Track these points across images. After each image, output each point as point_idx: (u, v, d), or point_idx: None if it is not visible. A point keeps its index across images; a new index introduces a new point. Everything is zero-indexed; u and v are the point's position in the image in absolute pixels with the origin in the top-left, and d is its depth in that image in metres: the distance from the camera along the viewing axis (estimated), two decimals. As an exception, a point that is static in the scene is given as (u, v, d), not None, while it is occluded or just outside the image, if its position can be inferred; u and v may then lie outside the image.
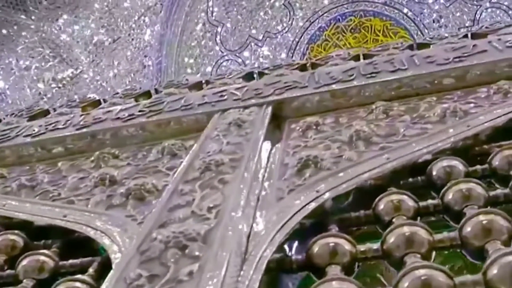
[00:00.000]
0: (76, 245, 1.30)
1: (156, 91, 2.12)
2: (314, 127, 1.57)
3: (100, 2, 6.59)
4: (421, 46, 2.00)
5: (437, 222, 1.23)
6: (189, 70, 7.47)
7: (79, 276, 1.12)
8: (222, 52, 7.83)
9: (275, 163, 1.41)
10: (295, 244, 1.20)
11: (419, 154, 1.33)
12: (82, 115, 1.94)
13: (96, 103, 2.12)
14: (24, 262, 1.20)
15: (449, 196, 1.15)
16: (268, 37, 8.08)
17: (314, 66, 2.07)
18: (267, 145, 1.52)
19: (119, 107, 1.93)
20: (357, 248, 1.06)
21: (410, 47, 2.00)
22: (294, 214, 1.15)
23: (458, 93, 1.61)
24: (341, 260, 1.04)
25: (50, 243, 1.31)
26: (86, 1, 6.46)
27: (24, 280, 1.16)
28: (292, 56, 8.09)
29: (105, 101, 2.12)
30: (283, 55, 8.11)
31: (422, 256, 1.00)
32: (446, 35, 2.07)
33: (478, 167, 1.28)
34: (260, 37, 8.01)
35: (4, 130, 1.95)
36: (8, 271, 1.22)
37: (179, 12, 7.30)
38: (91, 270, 1.14)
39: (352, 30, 8.14)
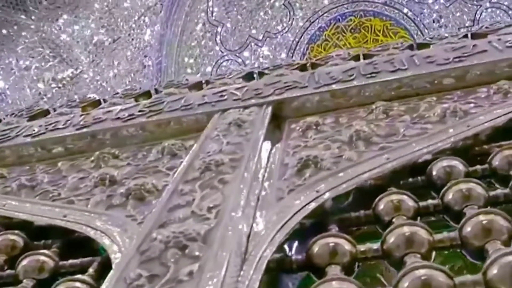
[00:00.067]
0: (76, 245, 1.30)
1: (156, 91, 2.12)
2: (314, 127, 1.57)
3: (100, 2, 6.59)
4: (421, 46, 2.00)
5: (437, 222, 1.23)
6: (189, 70, 7.47)
7: (79, 276, 1.12)
8: (222, 52, 7.83)
9: (275, 163, 1.41)
10: (295, 244, 1.20)
11: (419, 154, 1.33)
12: (82, 115, 1.94)
13: (96, 103, 2.12)
14: (24, 262, 1.20)
15: (449, 196, 1.15)
16: (268, 37, 8.08)
17: (314, 66, 2.07)
18: (267, 145, 1.52)
19: (119, 107, 1.93)
20: (357, 248, 1.06)
21: (410, 47, 2.00)
22: (294, 214, 1.15)
23: (458, 93, 1.61)
24: (341, 260, 1.04)
25: (50, 243, 1.31)
26: (86, 1, 6.46)
27: (24, 280, 1.16)
28: (292, 56, 8.09)
29: (105, 101, 2.12)
30: (283, 55, 8.12)
31: (422, 256, 1.00)
32: (446, 35, 2.08)
33: (478, 167, 1.28)
34: (260, 37, 8.01)
35: (4, 130, 1.95)
36: (8, 271, 1.22)
37: (179, 12, 7.30)
38: (91, 270, 1.14)
39: (352, 30, 8.14)
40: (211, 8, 7.65)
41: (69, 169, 1.64)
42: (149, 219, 1.14)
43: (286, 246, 1.16)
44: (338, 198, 1.24)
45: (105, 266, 1.11)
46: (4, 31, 6.01)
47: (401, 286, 0.90)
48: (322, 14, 8.17)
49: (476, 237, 1.00)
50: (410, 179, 1.30)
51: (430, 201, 1.19)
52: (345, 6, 8.12)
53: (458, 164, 1.26)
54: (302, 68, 2.07)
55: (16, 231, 1.33)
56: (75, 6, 6.38)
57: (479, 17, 7.26)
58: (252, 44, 8.01)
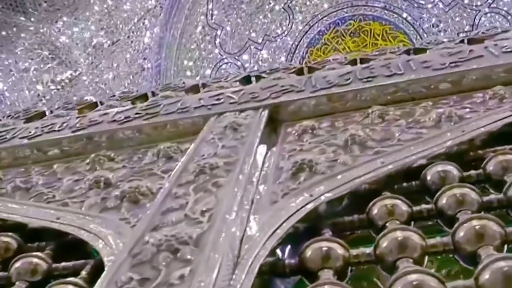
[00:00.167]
0: (69, 247, 1.29)
1: (153, 94, 2.12)
2: (310, 131, 1.57)
3: (99, 5, 6.60)
4: (418, 51, 2.00)
5: (431, 226, 1.23)
6: (188, 73, 7.48)
7: (71, 278, 1.11)
8: (221, 55, 7.84)
9: (270, 167, 1.41)
10: (288, 248, 1.20)
11: (414, 159, 1.33)
12: (78, 117, 1.94)
13: (93, 106, 2.12)
14: (17, 265, 1.19)
15: (443, 201, 1.15)
16: (268, 41, 8.09)
17: (311, 70, 2.07)
18: (262, 148, 1.52)
19: (115, 110, 1.93)
20: (350, 252, 1.06)
21: (407, 52, 2.00)
22: (288, 218, 1.15)
23: (454, 98, 1.61)
24: (333, 264, 1.03)
25: (43, 245, 1.30)
26: (86, 3, 6.47)
27: (17, 283, 1.16)
28: (292, 60, 8.10)
29: (101, 103, 2.12)
30: (282, 59, 8.13)
31: (414, 261, 1.00)
32: (443, 40, 2.08)
33: (473, 172, 1.28)
34: (260, 40, 8.02)
35: (0, 132, 1.95)
36: (1, 273, 1.21)
37: (179, 15, 7.31)
38: (84, 273, 1.14)
39: (352, 34, 8.15)
40: (210, 11, 7.66)
41: (64, 171, 1.63)
42: (142, 222, 1.14)
43: (278, 250, 1.15)
44: (332, 202, 1.24)
45: (98, 269, 1.11)
46: (3, 33, 6.02)
47: (393, 290, 0.90)
48: (322, 18, 8.19)
49: (469, 242, 1.00)
50: (405, 184, 1.30)
51: (423, 206, 1.19)
52: (345, 10, 8.13)
53: (452, 169, 1.26)
54: (299, 72, 2.08)
55: (10, 233, 1.32)
56: (75, 8, 6.39)
57: (478, 22, 7.28)
58: (252, 47, 8.02)
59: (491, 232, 1.00)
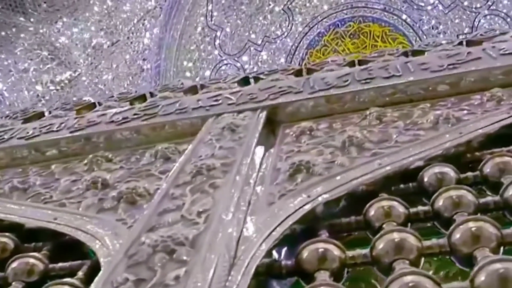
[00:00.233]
0: (66, 248, 1.29)
1: (151, 95, 2.12)
2: (308, 132, 1.58)
3: (99, 5, 6.60)
4: (416, 53, 2.00)
5: (429, 228, 1.23)
6: (188, 74, 7.48)
7: (68, 279, 1.11)
8: (221, 56, 7.85)
9: (268, 168, 1.41)
10: (285, 249, 1.20)
11: (411, 161, 1.33)
12: (76, 118, 1.94)
13: (91, 106, 2.12)
14: (14, 265, 1.19)
15: (440, 202, 1.15)
16: (267, 42, 8.10)
17: (309, 71, 2.07)
18: (260, 149, 1.52)
19: (113, 110, 1.93)
20: (346, 254, 1.06)
21: (405, 54, 2.00)
22: (285, 219, 1.15)
23: (451, 100, 1.61)
24: (330, 266, 1.03)
25: (40, 245, 1.30)
26: (86, 4, 6.47)
27: (13, 283, 1.16)
28: (291, 61, 8.11)
29: (100, 104, 2.12)
30: (282, 60, 8.13)
31: (410, 263, 1.00)
32: (442, 42, 2.08)
33: (470, 174, 1.28)
34: (259, 42, 8.03)
35: (-2, 132, 1.95)
36: (-2, 274, 1.21)
37: (179, 16, 7.32)
38: (80, 273, 1.14)
39: (351, 36, 8.16)
40: (210, 13, 7.67)
41: (62, 171, 1.63)
42: (139, 223, 1.14)
43: (275, 252, 1.15)
44: (329, 203, 1.24)
45: (95, 270, 1.11)
46: (2, 33, 6.02)
47: (389, 292, 0.90)
48: (321, 20, 8.19)
49: (465, 244, 1.00)
50: (402, 185, 1.30)
51: (420, 208, 1.19)
52: (344, 11, 8.14)
53: (449, 171, 1.26)
54: (298, 73, 2.07)
55: (7, 234, 1.32)
56: (74, 9, 6.39)
57: (478, 24, 7.29)
58: (251, 48, 8.03)
59: (487, 234, 1.00)
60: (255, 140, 1.51)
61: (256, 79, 2.10)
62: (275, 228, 1.11)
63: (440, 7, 7.59)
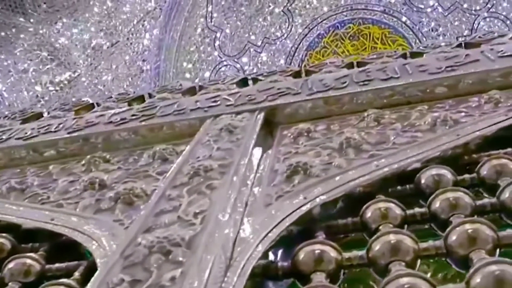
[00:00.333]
0: (63, 248, 1.29)
1: (150, 96, 2.12)
2: (306, 134, 1.58)
3: (99, 6, 6.61)
4: (415, 54, 2.00)
5: (426, 230, 1.23)
6: (187, 75, 7.49)
7: (64, 280, 1.11)
8: (221, 58, 7.85)
9: (265, 169, 1.41)
10: (281, 250, 1.20)
11: (408, 162, 1.33)
12: (75, 118, 1.94)
13: (89, 107, 2.12)
14: (11, 265, 1.19)
15: (436, 204, 1.15)
16: (267, 43, 8.10)
17: (308, 73, 2.07)
18: (258, 151, 1.52)
19: (112, 111, 1.93)
20: (342, 255, 1.06)
21: (404, 56, 2.00)
22: (282, 220, 1.15)
23: (449, 102, 1.61)
24: (326, 267, 1.03)
25: (37, 246, 1.30)
26: (85, 5, 6.47)
27: (10, 283, 1.16)
28: (291, 63, 8.11)
29: (98, 105, 2.12)
30: (282, 62, 8.14)
31: (406, 264, 1.00)
32: (440, 44, 2.08)
33: (467, 176, 1.28)
34: (259, 43, 8.04)
35: (-4, 132, 1.95)
36: (-5, 274, 1.21)
37: (178, 17, 7.32)
38: (77, 274, 1.14)
39: (351, 38, 8.17)
40: (210, 14, 7.67)
41: (60, 172, 1.63)
42: (135, 224, 1.14)
43: (271, 253, 1.15)
44: (326, 205, 1.24)
45: (91, 270, 1.11)
46: (2, 34, 6.02)
47: (385, 293, 0.90)
48: (321, 21, 8.20)
49: (461, 246, 1.00)
50: (399, 187, 1.31)
51: (417, 209, 1.19)
52: (344, 13, 8.15)
53: (446, 173, 1.26)
54: (296, 74, 2.08)
55: (4, 234, 1.32)
56: (74, 10, 6.39)
57: (477, 27, 7.30)
58: (251, 50, 8.03)
59: (483, 236, 1.00)
60: (253, 142, 1.51)
61: (255, 80, 2.10)
62: (272, 229, 1.11)
63: (440, 10, 7.60)
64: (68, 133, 1.82)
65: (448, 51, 1.91)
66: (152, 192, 1.34)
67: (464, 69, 1.70)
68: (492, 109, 1.50)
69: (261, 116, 1.70)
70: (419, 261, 1.03)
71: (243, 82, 2.12)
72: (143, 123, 1.80)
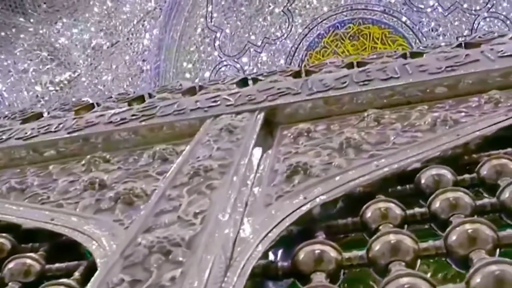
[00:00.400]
0: (63, 248, 1.29)
1: (150, 96, 2.12)
2: (306, 134, 1.58)
3: (99, 6, 6.61)
4: (415, 54, 2.00)
5: (426, 230, 1.23)
6: (187, 75, 7.49)
7: (64, 280, 1.11)
8: (221, 58, 7.85)
9: (265, 169, 1.41)
10: (282, 250, 1.20)
11: (408, 162, 1.33)
12: (75, 118, 1.94)
13: (89, 107, 2.12)
14: (11, 265, 1.19)
15: (436, 204, 1.15)
16: (267, 43, 8.10)
17: (308, 73, 2.07)
18: (258, 151, 1.52)
19: (112, 111, 1.93)
20: (342, 255, 1.06)
21: (404, 56, 2.00)
22: (282, 220, 1.15)
23: (449, 102, 1.61)
24: (326, 267, 1.03)
25: (37, 246, 1.30)
26: (85, 5, 6.47)
27: (10, 283, 1.16)
28: (291, 63, 8.11)
29: (98, 105, 2.12)
30: (282, 62, 8.14)
31: (406, 264, 1.00)
32: (440, 44, 2.08)
33: (467, 176, 1.28)
34: (259, 43, 8.04)
35: (-4, 133, 1.95)
36: (-5, 274, 1.21)
37: (178, 17, 7.32)
38: (77, 274, 1.14)
39: (351, 38, 8.17)
40: (210, 14, 7.67)
41: (60, 172, 1.63)
42: (135, 224, 1.14)
43: (271, 253, 1.15)
44: (327, 205, 1.24)
45: (91, 270, 1.11)
46: (2, 34, 6.02)
47: (385, 293, 0.90)
48: (321, 21, 8.20)
49: (461, 246, 1.00)
50: (399, 187, 1.30)
51: (417, 209, 1.19)
52: (344, 13, 8.15)
53: (446, 173, 1.26)
54: (296, 74, 2.08)
55: (4, 234, 1.32)
56: (74, 10, 6.39)
57: (477, 27, 7.30)
58: (251, 50, 8.03)
59: (483, 236, 1.00)
60: (253, 141, 1.51)
61: (255, 80, 2.10)
62: (272, 229, 1.11)
63: (440, 10, 7.60)
64: (68, 133, 1.82)
65: (448, 51, 1.91)
66: (152, 192, 1.34)
67: (464, 69, 1.70)
68: (492, 109, 1.50)
69: (261, 116, 1.70)
70: (419, 261, 1.03)
71: (243, 82, 2.12)
72: (143, 123, 1.80)
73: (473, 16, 7.39)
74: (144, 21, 6.92)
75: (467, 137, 1.39)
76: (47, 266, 1.21)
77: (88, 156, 1.64)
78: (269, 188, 1.29)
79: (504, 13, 7.23)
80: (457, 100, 1.61)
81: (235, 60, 7.93)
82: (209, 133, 1.60)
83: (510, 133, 1.40)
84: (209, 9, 7.64)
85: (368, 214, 1.17)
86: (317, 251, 1.05)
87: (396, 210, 1.17)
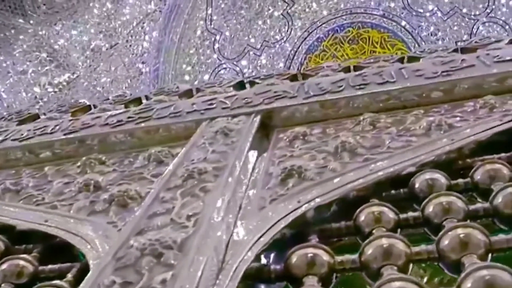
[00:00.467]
0: (57, 250, 1.29)
1: (147, 98, 2.13)
2: (301, 137, 1.58)
3: (99, 8, 6.61)
4: (411, 59, 2.01)
5: (421, 234, 1.23)
6: (186, 77, 7.49)
7: (56, 281, 1.11)
8: (220, 60, 7.86)
9: (260, 172, 1.41)
10: (275, 253, 1.20)
11: (402, 166, 1.34)
12: (71, 120, 1.94)
13: (86, 109, 2.13)
14: (3, 267, 1.19)
15: (429, 208, 1.16)
16: (266, 46, 8.11)
17: (305, 76, 2.08)
18: (253, 154, 1.52)
19: (108, 113, 1.94)
20: (335, 259, 1.06)
21: (400, 60, 2.01)
22: (275, 223, 1.15)
23: (445, 107, 1.61)
24: (318, 271, 1.03)
25: (31, 247, 1.30)
26: (85, 6, 6.48)
27: (3, 285, 1.16)
28: (290, 66, 8.12)
29: (95, 106, 2.12)
30: (281, 65, 8.15)
31: (398, 269, 1.00)
32: (437, 48, 2.09)
33: (460, 180, 1.28)
34: (258, 46, 8.04)
35: (-8, 134, 1.95)
36: (-12, 276, 1.21)
37: (178, 19, 7.33)
38: (69, 275, 1.14)
39: (350, 41, 8.18)
40: (210, 16, 7.68)
41: (55, 174, 1.63)
42: (128, 226, 1.14)
43: (264, 256, 1.15)
44: (320, 208, 1.24)
45: (84, 272, 1.10)
46: (1, 35, 6.02)
47: (376, 298, 0.90)
48: (321, 25, 8.21)
49: (453, 251, 1.00)
50: (393, 191, 1.31)
51: (410, 214, 1.19)
52: (344, 17, 8.16)
53: (440, 177, 1.27)
54: (293, 78, 2.08)
55: (-2, 235, 1.32)
56: (74, 11, 6.40)
57: (476, 31, 7.31)
58: (250, 53, 8.04)
59: (475, 241, 1.00)
60: (248, 144, 1.51)
61: (252, 83, 2.11)
62: (265, 232, 1.12)
63: (439, 14, 7.61)
64: (64, 134, 1.83)
65: (444, 55, 1.92)
66: (147, 194, 1.34)
67: (460, 74, 1.70)
68: (487, 114, 1.50)
69: (257, 119, 1.70)
70: (411, 265, 1.03)
71: (240, 85, 2.13)
72: (139, 125, 1.80)
73: (472, 21, 7.41)
74: (143, 23, 6.93)
75: (462, 141, 1.39)
76: (40, 268, 1.21)
77: (84, 158, 1.64)
78: (263, 191, 1.29)
79: (503, 18, 7.25)
80: (452, 105, 1.61)
81: (235, 63, 7.94)
82: (204, 135, 1.60)
83: (504, 138, 1.40)
84: (209, 11, 7.65)
85: (362, 218, 1.17)
86: (309, 255, 1.05)
87: (390, 214, 1.17)
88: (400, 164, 1.34)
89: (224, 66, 7.90)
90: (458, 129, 1.45)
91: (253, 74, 7.33)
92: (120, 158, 1.66)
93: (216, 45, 7.83)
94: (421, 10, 7.73)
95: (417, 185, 1.27)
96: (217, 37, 7.83)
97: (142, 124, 1.80)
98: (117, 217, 1.27)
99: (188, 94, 2.09)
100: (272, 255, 1.17)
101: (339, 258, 1.06)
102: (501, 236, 1.04)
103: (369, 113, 1.64)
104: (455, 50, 1.99)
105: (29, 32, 6.19)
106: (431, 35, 7.69)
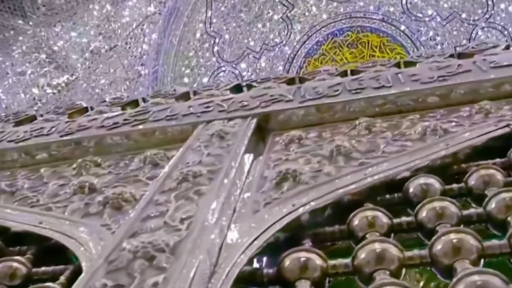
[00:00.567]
0: (51, 252, 1.29)
1: (144, 100, 2.13)
2: (297, 141, 1.58)
3: (98, 10, 6.62)
4: (408, 64, 2.01)
5: (415, 239, 1.23)
6: (185, 80, 7.50)
7: (49, 284, 1.11)
8: (219, 63, 7.87)
9: (255, 176, 1.41)
10: (268, 257, 1.20)
11: (397, 171, 1.34)
12: (67, 122, 1.94)
13: (83, 111, 2.13)
14: (-3, 268, 1.19)
15: (423, 213, 1.16)
16: (266, 50, 8.12)
17: (302, 80, 2.08)
18: (248, 157, 1.52)
19: (105, 115, 1.94)
20: (328, 263, 1.06)
21: (397, 65, 2.01)
22: (269, 227, 1.15)
23: (441, 112, 1.61)
24: (311, 275, 1.03)
25: (25, 249, 1.30)
26: (85, 8, 6.48)
27: (-4, 286, 1.16)
28: (289, 69, 8.13)
29: (92, 108, 2.12)
30: (280, 68, 8.16)
31: (391, 273, 1.00)
32: (434, 53, 2.09)
33: (455, 185, 1.28)
34: (258, 49, 8.05)
35: (-11, 135, 1.95)
36: (-19, 277, 1.21)
37: (177, 22, 7.34)
38: (62, 278, 1.14)
39: (349, 45, 8.20)
40: (209, 19, 7.69)
41: (50, 175, 1.63)
42: (121, 229, 1.14)
43: (256, 260, 1.15)
44: (315, 212, 1.24)
45: (77, 274, 1.10)
46: (0, 36, 6.03)
47: (368, 302, 0.90)
48: (320, 29, 8.23)
49: (446, 256, 1.01)
50: (387, 196, 1.31)
51: (404, 218, 1.19)
52: (343, 21, 8.18)
53: (434, 182, 1.27)
54: (290, 82, 2.08)
55: (-9, 237, 1.32)
56: (73, 13, 6.40)
57: (475, 36, 7.33)
58: (250, 56, 8.05)
59: (468, 246, 1.00)
60: (243, 148, 1.51)
61: (249, 86, 2.11)
62: (259, 236, 1.11)
63: (438, 19, 7.63)
64: (61, 136, 1.83)
65: (441, 61, 1.92)
66: (141, 197, 1.34)
67: (456, 79, 1.70)
68: (482, 119, 1.50)
69: (253, 122, 1.70)
70: (404, 270, 1.03)
71: (237, 88, 2.13)
72: (135, 127, 1.80)
73: (471, 26, 7.43)
74: (143, 25, 6.93)
75: (457, 146, 1.39)
76: (34, 270, 1.20)
77: (79, 160, 1.64)
78: (258, 194, 1.29)
79: (502, 24, 7.27)
80: (448, 110, 1.61)
81: (234, 66, 7.94)
82: (200, 138, 1.60)
83: (499, 143, 1.41)
84: (208, 14, 7.66)
85: (355, 222, 1.17)
86: (302, 259, 1.05)
87: (383, 218, 1.17)
88: (395, 169, 1.34)
89: (223, 69, 7.91)
90: (453, 134, 1.45)
91: (252, 77, 7.34)
92: (116, 161, 1.66)
93: (216, 48, 7.84)
94: (420, 15, 7.75)
95: (411, 190, 1.27)
96: (217, 40, 7.84)
97: (139, 127, 1.80)
98: (111, 219, 1.26)
99: (185, 96, 2.09)
100: (265, 259, 1.17)
101: (332, 262, 1.06)
102: (494, 241, 1.04)
103: (365, 117, 1.64)
104: (452, 55, 2.00)
105: (28, 33, 6.19)
106: (430, 39, 7.71)
